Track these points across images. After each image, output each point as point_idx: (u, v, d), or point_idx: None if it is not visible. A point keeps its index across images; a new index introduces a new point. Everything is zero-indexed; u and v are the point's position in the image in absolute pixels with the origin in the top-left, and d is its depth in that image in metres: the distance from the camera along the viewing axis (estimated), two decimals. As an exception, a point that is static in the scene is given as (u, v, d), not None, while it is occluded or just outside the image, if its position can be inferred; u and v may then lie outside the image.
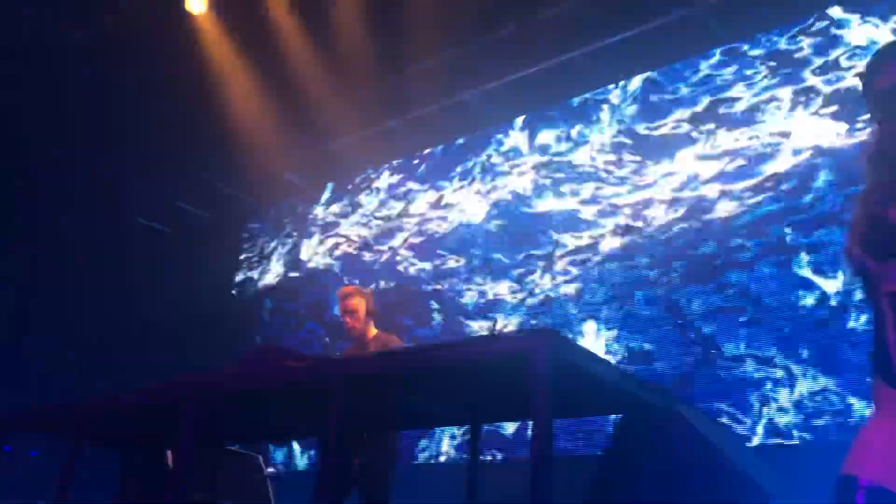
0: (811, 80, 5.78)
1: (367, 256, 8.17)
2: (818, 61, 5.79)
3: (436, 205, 7.83)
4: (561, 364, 1.85)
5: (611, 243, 6.37)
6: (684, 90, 6.43)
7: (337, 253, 8.51)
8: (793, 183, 5.57)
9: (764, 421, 5.11)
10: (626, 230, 6.30)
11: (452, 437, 6.57)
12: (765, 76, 6.03)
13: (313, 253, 8.76)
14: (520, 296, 6.76)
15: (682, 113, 6.37)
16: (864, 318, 4.83)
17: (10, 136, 7.56)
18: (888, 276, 1.75)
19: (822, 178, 5.44)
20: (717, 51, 6.35)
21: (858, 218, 1.87)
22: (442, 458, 6.59)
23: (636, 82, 6.78)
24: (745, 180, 5.81)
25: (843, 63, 5.65)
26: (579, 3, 6.42)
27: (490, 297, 6.96)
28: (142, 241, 9.12)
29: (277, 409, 2.87)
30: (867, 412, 2.10)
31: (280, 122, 7.80)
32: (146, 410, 3.03)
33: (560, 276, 6.56)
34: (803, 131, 5.67)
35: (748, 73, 6.13)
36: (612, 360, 5.83)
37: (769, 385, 5.16)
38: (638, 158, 6.50)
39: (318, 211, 9.00)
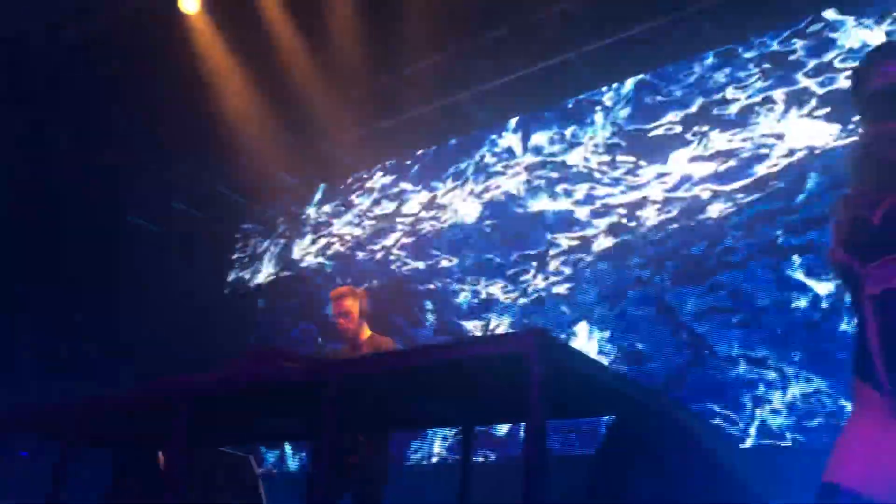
0: (804, 81, 5.80)
1: (360, 255, 8.16)
2: (812, 63, 5.81)
3: (429, 205, 7.82)
4: (554, 365, 1.85)
5: (604, 244, 6.38)
6: (678, 92, 6.45)
7: (330, 252, 8.50)
8: (785, 184, 5.58)
9: (757, 422, 5.12)
10: (619, 230, 6.31)
11: (444, 438, 6.56)
12: (758, 78, 6.05)
13: (306, 252, 8.75)
14: (513, 295, 6.76)
15: (676, 115, 6.38)
16: (855, 320, 4.83)
17: (3, 136, 7.53)
18: (871, 278, 1.75)
19: (815, 179, 5.46)
20: (711, 53, 6.37)
21: (843, 220, 1.86)
22: (434, 459, 6.59)
23: (629, 84, 6.80)
24: (738, 181, 5.83)
25: (837, 65, 5.67)
26: (572, 4, 6.43)
27: (483, 296, 6.96)
28: (134, 240, 9.08)
29: (271, 409, 2.86)
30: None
31: (273, 123, 7.79)
32: (138, 411, 3.02)
33: (553, 276, 6.57)
34: (796, 133, 5.68)
35: (741, 74, 6.15)
36: (604, 360, 5.84)
37: (762, 387, 5.17)
38: (631, 159, 6.51)
39: (311, 211, 8.98)
